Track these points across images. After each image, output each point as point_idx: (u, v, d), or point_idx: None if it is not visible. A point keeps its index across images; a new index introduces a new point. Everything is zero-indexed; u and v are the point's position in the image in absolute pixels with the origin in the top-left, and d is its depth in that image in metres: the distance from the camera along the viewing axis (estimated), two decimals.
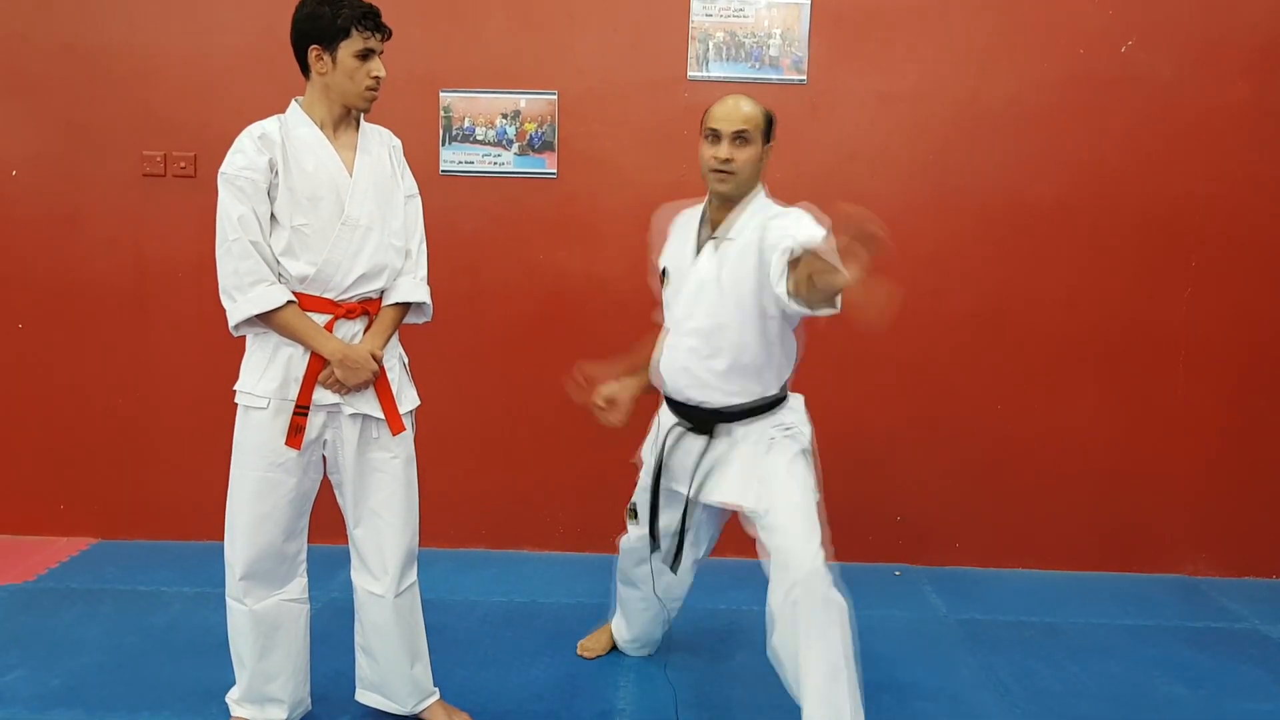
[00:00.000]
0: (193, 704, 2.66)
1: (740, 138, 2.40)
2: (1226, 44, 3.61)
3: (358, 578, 2.50)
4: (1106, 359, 3.75)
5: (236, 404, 2.37)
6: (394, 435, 2.41)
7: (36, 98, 3.69)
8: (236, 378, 2.37)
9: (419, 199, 2.50)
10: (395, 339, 2.47)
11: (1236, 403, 3.76)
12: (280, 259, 2.30)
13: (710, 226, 2.51)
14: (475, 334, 3.77)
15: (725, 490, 2.50)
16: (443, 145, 3.69)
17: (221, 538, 2.42)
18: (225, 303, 2.28)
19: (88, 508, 3.86)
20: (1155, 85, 3.63)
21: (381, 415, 2.39)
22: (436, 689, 2.61)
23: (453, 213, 3.64)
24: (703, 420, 2.54)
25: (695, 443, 2.55)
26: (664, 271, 2.62)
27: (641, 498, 2.72)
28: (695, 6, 3.62)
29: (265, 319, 2.28)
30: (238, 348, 2.41)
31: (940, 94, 3.67)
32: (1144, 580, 3.76)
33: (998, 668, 3.02)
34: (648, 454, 2.72)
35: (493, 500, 3.87)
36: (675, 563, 2.65)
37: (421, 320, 2.53)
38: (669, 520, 2.66)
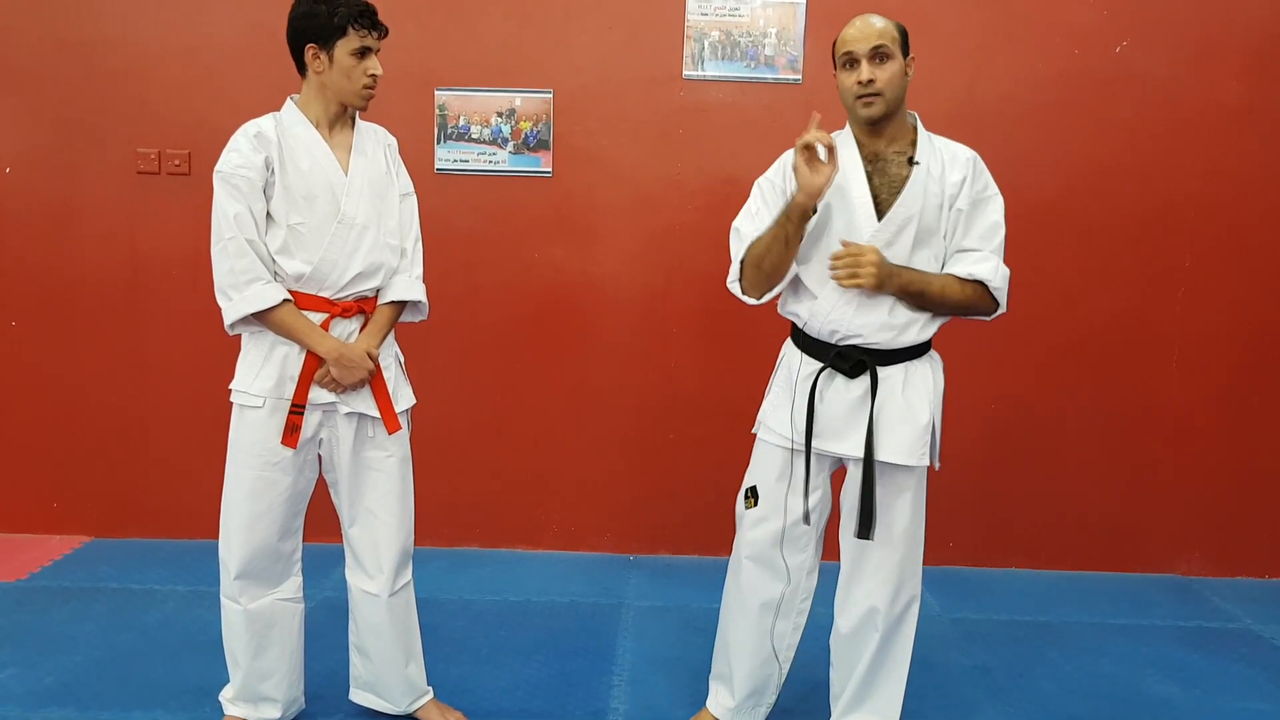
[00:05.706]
0: (186, 702, 2.66)
1: (879, 54, 2.22)
2: (1221, 44, 3.62)
3: (352, 577, 2.50)
4: (1100, 357, 3.75)
5: (231, 402, 2.36)
6: (390, 434, 2.41)
7: (30, 94, 3.67)
8: (231, 376, 2.37)
9: (414, 197, 2.50)
10: (391, 337, 2.46)
11: (1230, 402, 3.77)
12: (276, 257, 2.29)
13: (867, 159, 2.31)
14: (471, 333, 3.76)
15: (894, 447, 2.30)
16: (438, 144, 3.68)
17: (216, 536, 2.41)
18: (220, 301, 2.27)
19: (81, 506, 3.85)
20: (1149, 84, 3.64)
21: (377, 414, 2.39)
22: (430, 688, 2.61)
23: (448, 211, 3.64)
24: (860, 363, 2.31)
25: (853, 389, 2.31)
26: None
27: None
28: (691, 5, 3.61)
29: (261, 318, 2.27)
30: (232, 346, 2.40)
31: (935, 92, 3.66)
32: (1137, 579, 3.77)
33: (991, 667, 3.03)
34: (778, 415, 2.38)
35: (487, 499, 3.86)
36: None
37: (417, 319, 2.53)
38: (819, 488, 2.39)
